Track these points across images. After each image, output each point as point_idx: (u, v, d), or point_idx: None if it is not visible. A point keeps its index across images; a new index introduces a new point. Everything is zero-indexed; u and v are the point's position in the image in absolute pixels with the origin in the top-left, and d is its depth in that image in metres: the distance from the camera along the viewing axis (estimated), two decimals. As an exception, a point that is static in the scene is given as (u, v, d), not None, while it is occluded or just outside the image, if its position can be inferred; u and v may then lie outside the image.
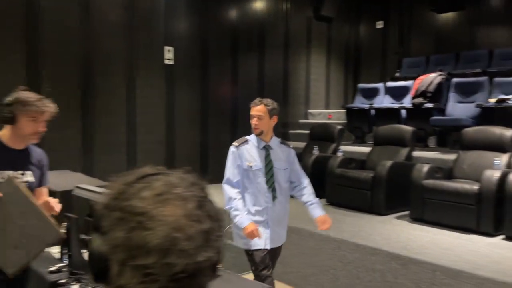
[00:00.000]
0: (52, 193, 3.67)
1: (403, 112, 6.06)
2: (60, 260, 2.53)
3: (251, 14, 6.97)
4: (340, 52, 8.64)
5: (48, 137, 5.04)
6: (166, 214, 0.68)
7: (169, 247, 0.66)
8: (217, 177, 6.40)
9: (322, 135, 6.03)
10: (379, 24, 8.56)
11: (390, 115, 6.14)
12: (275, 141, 2.96)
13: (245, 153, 2.89)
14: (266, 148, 2.91)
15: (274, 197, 2.88)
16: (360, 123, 6.62)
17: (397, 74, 7.70)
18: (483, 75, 5.87)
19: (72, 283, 2.21)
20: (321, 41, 8.21)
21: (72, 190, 3.77)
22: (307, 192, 3.02)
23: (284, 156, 2.95)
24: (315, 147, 5.59)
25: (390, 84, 6.83)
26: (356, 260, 3.63)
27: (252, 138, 2.95)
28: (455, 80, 5.87)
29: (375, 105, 6.50)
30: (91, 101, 5.27)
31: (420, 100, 5.64)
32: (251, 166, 2.87)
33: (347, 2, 8.41)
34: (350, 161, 5.14)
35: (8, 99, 2.17)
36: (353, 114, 6.69)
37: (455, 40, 7.63)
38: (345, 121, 6.92)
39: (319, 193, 5.12)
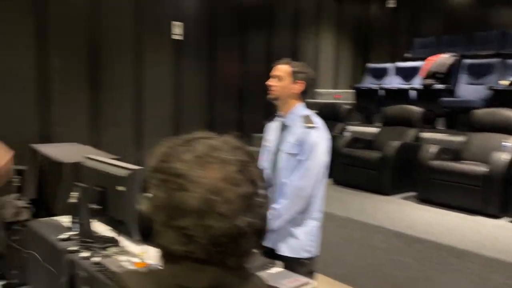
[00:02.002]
0: (60, 165, 3.70)
1: (412, 93, 6.00)
2: (70, 228, 2.56)
3: (261, -10, 6.86)
4: (350, 31, 8.52)
5: (56, 111, 5.09)
6: (204, 176, 0.68)
7: (206, 210, 0.66)
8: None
9: (330, 115, 5.97)
10: (391, 3, 8.41)
11: (399, 95, 6.08)
12: (296, 116, 2.30)
13: (269, 130, 2.48)
14: (281, 125, 2.37)
15: (271, 184, 2.33)
16: (368, 103, 6.57)
17: (408, 55, 7.60)
18: (495, 57, 5.77)
19: (81, 251, 2.24)
20: (331, 19, 8.09)
21: (80, 161, 3.80)
22: (279, 205, 2.21)
23: (296, 137, 2.25)
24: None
25: (400, 64, 6.75)
26: (361, 238, 3.65)
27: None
28: (467, 61, 5.79)
29: (384, 86, 6.43)
30: (99, 75, 5.25)
31: (431, 81, 5.58)
32: (267, 145, 2.45)
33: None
34: (357, 141, 5.13)
35: None
36: (361, 94, 6.64)
37: (467, 21, 7.50)
38: (353, 101, 6.88)
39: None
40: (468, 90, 5.62)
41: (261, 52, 6.98)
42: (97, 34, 5.21)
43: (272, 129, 2.48)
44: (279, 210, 2.25)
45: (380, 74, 6.84)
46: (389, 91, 6.31)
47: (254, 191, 0.70)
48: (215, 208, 0.66)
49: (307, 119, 2.29)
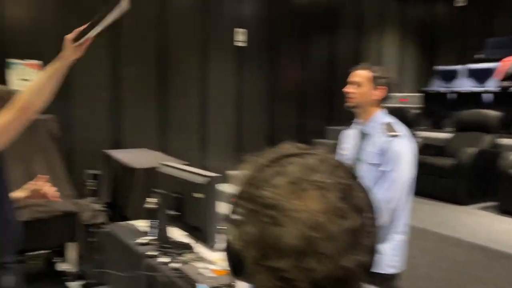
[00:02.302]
0: (133, 170, 3.83)
1: (486, 96, 5.64)
2: (147, 233, 2.62)
3: (323, -7, 6.77)
4: (414, 33, 8.19)
5: (127, 118, 5.30)
6: (301, 208, 0.58)
7: (306, 249, 0.57)
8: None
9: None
10: (459, 2, 7.99)
11: (472, 99, 5.74)
12: (376, 124, 2.17)
13: (346, 138, 2.37)
14: (360, 133, 2.24)
15: None
16: (438, 108, 6.26)
17: (480, 56, 7.17)
18: None
19: (160, 256, 2.28)
20: (395, 21, 7.82)
21: (152, 167, 3.91)
22: None
23: (379, 146, 2.12)
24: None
25: (472, 66, 6.37)
26: (437, 250, 3.45)
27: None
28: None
29: (455, 89, 6.10)
30: (166, 83, 5.40)
31: (508, 83, 5.21)
32: (344, 155, 2.32)
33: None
34: (428, 147, 4.88)
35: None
36: (430, 98, 6.35)
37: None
38: (420, 105, 6.59)
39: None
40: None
41: (323, 57, 6.88)
42: (164, 44, 5.37)
43: (349, 137, 2.38)
44: None
45: (449, 76, 6.50)
46: (460, 95, 5.97)
47: (362, 222, 0.60)
48: (316, 247, 0.57)
49: (389, 127, 2.16)
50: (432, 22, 8.37)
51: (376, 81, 2.20)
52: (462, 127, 5.00)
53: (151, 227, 2.56)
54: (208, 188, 2.25)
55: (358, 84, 2.22)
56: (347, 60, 7.13)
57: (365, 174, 2.18)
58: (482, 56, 7.20)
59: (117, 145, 4.99)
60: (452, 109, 6.11)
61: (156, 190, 2.37)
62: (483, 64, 6.25)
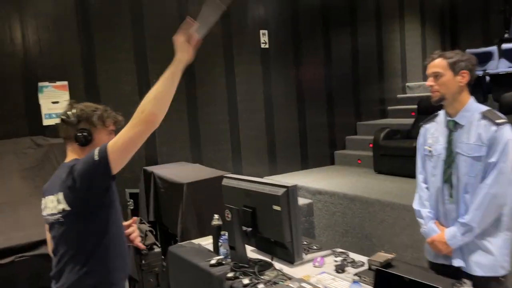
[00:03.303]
0: (181, 186, 3.68)
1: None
2: (215, 252, 2.47)
3: (341, -13, 6.59)
4: (434, 18, 7.98)
5: (159, 132, 5.16)
6: None
7: None
8: (317, 162, 6.30)
9: (433, 108, 5.55)
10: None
11: (510, 80, 5.52)
12: (470, 114, 2.02)
13: (428, 133, 2.20)
14: (450, 125, 2.07)
15: (450, 196, 2.05)
16: (472, 92, 6.03)
17: (506, 35, 6.96)
18: None
19: (241, 277, 2.11)
20: (414, 7, 7.62)
21: (199, 181, 3.76)
22: (468, 217, 1.96)
23: (479, 137, 1.95)
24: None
25: (506, 46, 6.15)
26: None
27: (442, 111, 2.17)
28: None
29: (491, 71, 5.88)
30: (195, 92, 5.26)
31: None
32: (430, 151, 2.15)
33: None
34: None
35: (72, 113, 1.81)
36: (462, 83, 6.11)
37: None
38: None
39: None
40: None
41: (345, 52, 6.71)
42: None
43: (432, 131, 2.20)
44: (470, 224, 1.98)
45: (482, 59, 6.27)
46: (497, 77, 5.75)
47: None
48: None
49: (492, 115, 2.00)
50: (451, 5, 8.15)
51: (455, 67, 2.03)
52: (510, 110, 4.78)
53: (222, 245, 2.40)
54: (286, 199, 2.09)
55: (438, 75, 2.06)
56: (369, 52, 6.96)
57: (464, 169, 2.02)
58: (508, 35, 6.99)
59: (153, 161, 4.86)
60: (489, 93, 5.90)
61: (228, 205, 2.21)
62: (516, 43, 6.03)
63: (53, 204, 1.75)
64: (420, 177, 2.24)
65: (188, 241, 2.80)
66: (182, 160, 5.06)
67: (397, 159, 5.18)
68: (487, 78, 5.88)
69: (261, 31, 5.77)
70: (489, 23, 7.71)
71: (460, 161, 2.03)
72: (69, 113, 1.84)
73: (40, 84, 4.30)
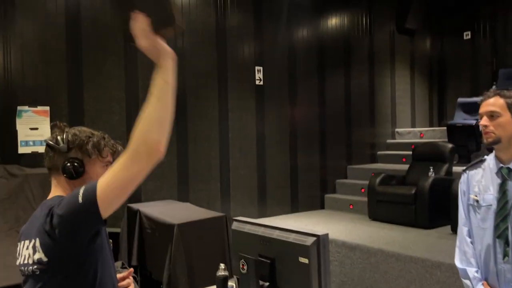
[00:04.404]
0: (171, 227, 3.31)
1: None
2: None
3: (336, 30, 6.58)
4: (424, 67, 8.08)
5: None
6: None
7: None
8: (307, 205, 6.02)
9: (429, 155, 5.44)
10: (467, 35, 7.97)
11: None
12: None
13: (473, 180, 1.97)
14: (503, 172, 1.85)
15: (505, 255, 1.79)
16: (466, 141, 5.98)
17: (494, 87, 7.05)
18: None
19: None
20: (405, 55, 7.70)
21: (191, 222, 3.40)
22: None
23: None
24: (431, 169, 5.01)
25: (499, 96, 6.18)
26: None
27: (490, 156, 1.96)
28: None
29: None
30: (186, 125, 4.97)
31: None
32: (477, 201, 1.91)
33: (431, 14, 7.89)
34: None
35: (62, 138, 1.48)
36: (455, 132, 6.07)
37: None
38: (439, 140, 6.33)
39: (443, 220, 4.64)
40: None
41: (339, 93, 6.62)
42: (182, 84, 4.98)
43: (478, 178, 1.96)
44: None
45: (474, 108, 6.27)
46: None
47: None
48: None
49: None
50: (440, 55, 8.30)
51: None
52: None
53: (229, 301, 2.05)
54: (316, 250, 1.79)
55: (494, 115, 1.86)
56: (361, 95, 6.90)
57: None
58: (495, 87, 7.09)
59: (137, 198, 4.47)
60: (481, 142, 5.86)
61: (242, 254, 1.88)
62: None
63: (28, 252, 1.37)
64: (464, 230, 1.99)
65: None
66: (167, 197, 4.68)
67: (395, 206, 4.96)
68: (480, 127, 5.85)
69: (257, 67, 5.60)
70: (477, 74, 7.84)
71: None
72: (58, 138, 1.49)
73: (19, 108, 3.92)
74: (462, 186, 2.02)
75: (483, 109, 1.91)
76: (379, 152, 7.11)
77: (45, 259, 1.32)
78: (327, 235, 1.82)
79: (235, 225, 2.20)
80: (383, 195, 5.12)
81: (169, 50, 1.24)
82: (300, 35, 6.12)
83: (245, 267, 1.88)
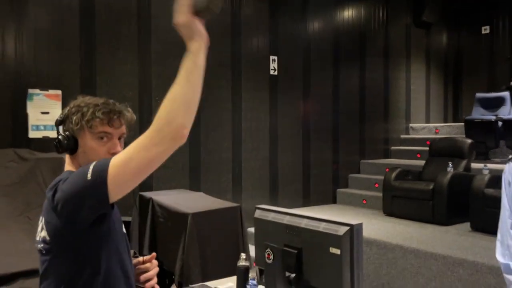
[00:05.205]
0: (185, 216, 3.21)
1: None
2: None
3: (351, 22, 6.43)
4: (439, 61, 7.91)
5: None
6: None
7: None
8: (319, 199, 5.91)
9: (446, 151, 5.30)
10: (485, 30, 7.78)
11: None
12: None
13: None
14: None
15: None
16: (484, 138, 5.82)
17: (512, 83, 6.87)
18: None
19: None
20: (421, 49, 7.53)
21: (206, 211, 3.30)
22: None
23: None
24: (450, 164, 4.87)
25: (519, 92, 6.03)
26: None
27: None
28: None
29: (504, 116, 5.70)
30: (199, 113, 4.85)
31: None
32: None
33: (448, 7, 7.70)
34: (498, 179, 4.38)
35: (63, 112, 1.41)
36: (474, 128, 5.92)
37: None
38: (455, 136, 6.18)
39: (462, 217, 4.52)
40: None
41: (353, 87, 6.47)
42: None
43: None
44: None
45: (494, 104, 6.12)
46: (510, 122, 5.56)
47: None
48: None
49: None
50: (457, 50, 8.12)
51: None
52: None
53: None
54: (350, 240, 1.68)
55: None
56: (376, 90, 6.75)
57: None
58: (513, 83, 6.91)
59: (148, 186, 4.37)
60: (501, 138, 5.71)
61: (269, 244, 1.77)
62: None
63: (39, 229, 1.30)
64: (508, 222, 1.86)
65: (201, 284, 2.31)
66: (178, 187, 4.58)
67: (412, 201, 4.83)
68: (499, 123, 5.70)
69: (271, 57, 5.47)
70: (494, 70, 7.66)
71: None
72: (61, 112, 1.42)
73: (30, 91, 3.82)
74: (507, 176, 1.89)
75: None
76: (392, 147, 6.97)
77: (47, 238, 1.23)
78: (361, 224, 1.71)
79: (258, 214, 2.09)
80: (399, 190, 4.99)
81: (204, 32, 1.15)
82: (316, 27, 5.98)
83: (271, 257, 1.77)
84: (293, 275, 1.80)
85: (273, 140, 5.50)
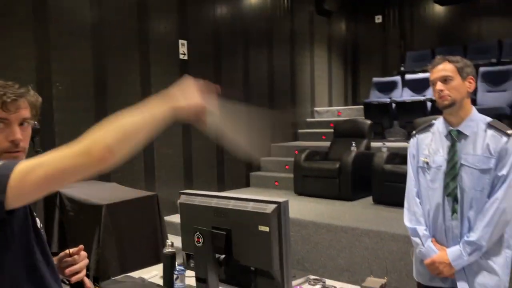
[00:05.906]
0: (98, 208, 3.04)
1: (429, 104, 5.86)
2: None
3: (258, 9, 6.52)
4: (340, 48, 8.40)
5: (64, 141, 4.33)
6: None
7: None
8: (234, 183, 5.99)
9: (349, 132, 5.68)
10: (378, 19, 8.42)
11: (414, 108, 5.92)
12: (475, 123, 1.88)
13: (423, 144, 2.00)
14: (452, 135, 1.90)
15: (453, 212, 1.86)
16: (380, 119, 6.34)
17: (402, 68, 7.56)
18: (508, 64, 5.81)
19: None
20: (323, 36, 7.93)
21: (120, 202, 3.16)
22: (476, 235, 1.81)
23: (487, 148, 1.82)
24: (353, 144, 5.22)
25: (410, 76, 6.64)
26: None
27: (439, 120, 1.99)
28: (482, 69, 5.75)
29: (397, 99, 6.26)
30: (105, 102, 4.60)
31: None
32: (427, 163, 1.95)
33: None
34: (395, 156, 4.82)
35: None
36: (371, 110, 6.42)
37: (459, 32, 7.62)
38: (356, 117, 6.66)
39: (365, 192, 4.89)
40: (489, 97, 5.56)
41: (262, 73, 6.61)
42: (101, 55, 4.57)
43: (428, 142, 1.99)
44: (479, 242, 1.80)
45: (388, 87, 6.68)
46: (401, 104, 6.13)
47: None
48: None
49: (499, 125, 1.87)
50: (354, 37, 8.68)
51: (462, 72, 1.88)
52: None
53: (178, 278, 1.90)
54: (277, 217, 1.73)
55: (447, 79, 1.87)
56: (283, 75, 6.97)
57: (470, 182, 1.85)
58: (403, 68, 7.62)
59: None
60: (395, 119, 6.26)
61: (198, 227, 1.75)
62: (419, 75, 6.54)
63: None
64: (414, 191, 2.05)
65: (124, 275, 2.22)
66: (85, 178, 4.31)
67: (320, 180, 5.12)
68: (393, 105, 6.25)
69: (180, 41, 5.35)
70: (387, 56, 8.35)
71: (465, 173, 1.85)
72: None
73: None
74: (411, 150, 2.07)
75: (435, 75, 1.92)
76: (300, 130, 7.28)
77: None
78: (287, 201, 1.77)
79: (183, 199, 2.06)
80: (308, 170, 5.24)
81: (197, 107, 1.15)
82: (224, 13, 5.96)
83: (201, 240, 1.76)
84: (223, 256, 1.81)
85: (185, 126, 5.42)
